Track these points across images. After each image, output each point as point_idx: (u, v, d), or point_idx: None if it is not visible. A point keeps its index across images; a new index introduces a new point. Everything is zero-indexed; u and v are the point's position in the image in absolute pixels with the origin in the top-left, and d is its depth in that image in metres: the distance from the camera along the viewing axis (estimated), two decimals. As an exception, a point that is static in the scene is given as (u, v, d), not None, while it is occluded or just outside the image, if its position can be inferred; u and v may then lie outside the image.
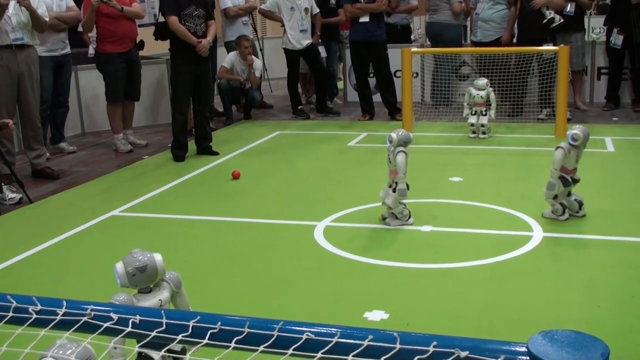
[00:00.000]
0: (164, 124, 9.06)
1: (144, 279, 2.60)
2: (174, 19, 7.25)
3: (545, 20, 8.61)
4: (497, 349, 1.01)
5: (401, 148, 4.86)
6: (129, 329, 1.20)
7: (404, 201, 5.02)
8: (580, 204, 5.07)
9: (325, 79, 10.02)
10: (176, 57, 7.49)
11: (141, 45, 8.33)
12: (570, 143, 4.90)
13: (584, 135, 4.91)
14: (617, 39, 9.10)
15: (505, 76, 8.83)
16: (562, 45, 8.15)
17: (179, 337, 1.16)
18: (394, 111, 9.37)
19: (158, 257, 2.61)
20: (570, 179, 5.00)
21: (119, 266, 2.61)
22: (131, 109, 8.31)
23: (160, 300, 2.64)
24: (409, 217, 5.03)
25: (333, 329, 1.10)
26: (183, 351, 2.55)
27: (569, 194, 5.05)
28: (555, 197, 4.98)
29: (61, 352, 1.99)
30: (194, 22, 7.32)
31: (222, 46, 10.33)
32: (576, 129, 4.93)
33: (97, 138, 8.89)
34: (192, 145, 7.73)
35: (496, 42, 9.18)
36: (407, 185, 4.90)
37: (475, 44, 9.44)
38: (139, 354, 2.56)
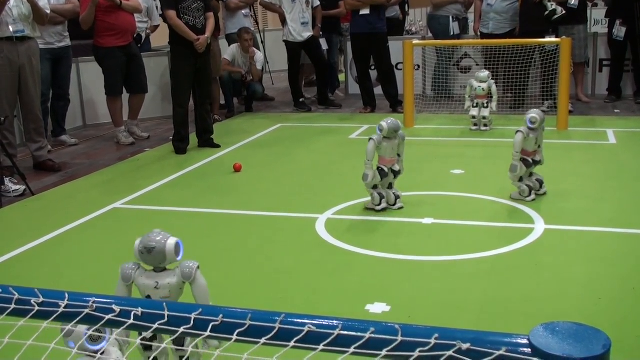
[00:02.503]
0: (165, 117, 9.06)
1: (150, 259, 2.64)
2: (172, 13, 7.22)
3: (547, 12, 8.58)
4: (498, 341, 1.01)
5: (372, 136, 5.04)
6: (131, 321, 1.20)
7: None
8: (541, 183, 5.39)
9: (326, 71, 10.00)
10: (176, 49, 7.47)
11: (139, 39, 8.30)
12: (528, 126, 5.19)
13: (541, 118, 5.19)
14: (620, 31, 9.08)
15: (507, 68, 8.82)
16: (564, 37, 8.13)
17: (181, 329, 1.16)
18: (395, 104, 9.37)
19: (172, 242, 2.64)
20: (531, 161, 5.28)
21: (136, 242, 2.66)
22: (139, 102, 8.31)
23: (157, 282, 2.65)
24: (380, 203, 5.15)
25: (335, 322, 1.10)
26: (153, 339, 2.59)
27: (531, 175, 5.36)
28: (521, 179, 5.29)
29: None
30: (193, 15, 7.30)
31: (223, 39, 10.31)
32: (533, 113, 5.22)
33: (99, 130, 8.89)
34: (193, 137, 7.73)
35: (509, 34, 9.15)
36: (385, 171, 5.10)
37: (486, 35, 9.38)
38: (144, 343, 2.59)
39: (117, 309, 1.22)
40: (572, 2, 8.76)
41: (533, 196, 5.30)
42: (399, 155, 5.19)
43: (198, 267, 2.69)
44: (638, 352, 3.16)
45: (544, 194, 5.40)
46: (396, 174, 5.18)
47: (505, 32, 9.21)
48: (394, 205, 5.21)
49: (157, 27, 9.56)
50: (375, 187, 5.17)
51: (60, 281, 4.18)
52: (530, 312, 3.55)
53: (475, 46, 9.83)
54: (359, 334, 1.08)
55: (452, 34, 9.65)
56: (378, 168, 5.13)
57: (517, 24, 9.19)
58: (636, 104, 9.20)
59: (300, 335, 1.10)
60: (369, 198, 5.30)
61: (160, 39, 9.43)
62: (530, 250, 4.38)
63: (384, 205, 5.17)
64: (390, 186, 5.22)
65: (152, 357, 2.66)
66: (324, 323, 1.11)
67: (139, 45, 8.73)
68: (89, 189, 6.24)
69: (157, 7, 9.35)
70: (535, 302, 3.66)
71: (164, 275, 2.68)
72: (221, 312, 1.16)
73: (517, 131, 5.20)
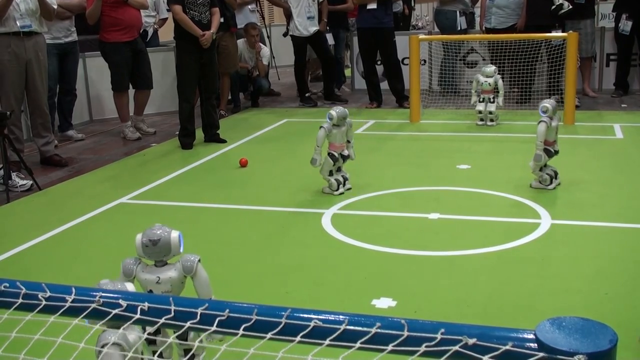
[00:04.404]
0: (171, 112, 9.06)
1: (155, 252, 2.68)
2: (177, 8, 7.23)
3: (553, 7, 8.56)
4: (504, 336, 1.01)
5: (323, 124, 5.38)
6: (138, 316, 1.20)
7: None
8: (556, 173, 5.49)
9: (332, 66, 9.99)
10: (181, 45, 7.48)
11: (145, 35, 8.30)
12: (541, 116, 5.29)
13: (552, 106, 5.30)
14: (626, 25, 9.04)
15: (513, 63, 8.79)
16: (571, 31, 8.11)
17: (187, 324, 1.17)
18: (401, 99, 9.35)
19: (175, 234, 2.70)
20: (553, 151, 5.39)
21: (137, 237, 2.71)
22: (144, 98, 8.32)
23: (158, 277, 2.69)
24: (337, 189, 5.50)
25: (341, 316, 1.11)
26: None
27: (545, 165, 5.46)
28: (541, 168, 5.39)
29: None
30: (199, 10, 7.29)
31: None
32: (544, 102, 5.35)
33: (105, 125, 8.90)
34: (199, 132, 7.74)
35: (511, 29, 9.13)
36: (335, 156, 5.44)
37: (489, 30, 9.36)
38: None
39: (123, 303, 1.22)
40: None
41: (554, 184, 5.42)
42: (348, 142, 5.54)
43: (199, 261, 2.71)
44: (645, 348, 3.15)
45: (559, 184, 5.48)
46: (345, 158, 5.54)
47: (507, 27, 9.18)
48: (343, 185, 5.58)
49: (164, 20, 9.56)
50: (331, 173, 5.52)
51: (67, 276, 4.19)
52: (536, 307, 3.54)
53: (482, 41, 9.81)
54: (365, 329, 1.08)
55: (459, 28, 9.62)
56: (329, 154, 5.48)
57: (519, 18, 9.15)
58: (643, 99, 9.17)
59: (307, 330, 1.10)
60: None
61: (168, 33, 9.43)
62: (536, 245, 4.38)
63: (341, 190, 5.53)
64: (339, 169, 5.59)
65: (158, 352, 2.68)
66: (330, 318, 1.11)
67: (145, 41, 8.74)
68: (96, 184, 6.25)
69: (163, 1, 9.36)
70: (542, 297, 3.66)
71: (165, 270, 2.71)
72: (227, 306, 1.16)
73: (540, 121, 5.27)
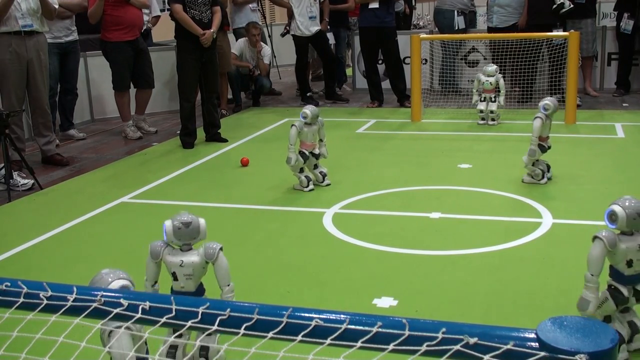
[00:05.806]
0: (173, 111, 9.06)
1: (185, 234, 2.88)
2: (178, 7, 7.22)
3: (554, 6, 8.55)
4: (506, 335, 1.01)
5: (294, 123, 5.48)
6: (139, 315, 1.20)
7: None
8: (548, 167, 5.60)
9: (334, 65, 9.98)
10: (182, 44, 7.47)
11: (146, 33, 8.30)
12: (543, 112, 5.35)
13: (554, 105, 5.37)
14: (628, 24, 9.04)
15: (514, 62, 8.78)
16: (572, 31, 8.10)
17: (189, 323, 1.17)
18: (402, 98, 9.35)
19: (202, 220, 2.93)
20: (546, 146, 5.48)
21: (167, 223, 2.89)
22: (146, 97, 8.32)
23: (182, 260, 2.88)
24: (307, 185, 5.62)
25: (342, 316, 1.11)
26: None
27: (537, 160, 5.54)
28: (534, 163, 5.47)
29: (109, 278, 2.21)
30: (199, 9, 7.29)
31: (231, 33, 10.31)
32: (547, 100, 5.41)
33: (107, 125, 8.90)
34: (201, 132, 7.74)
35: (513, 28, 9.12)
36: (306, 154, 5.55)
37: (491, 29, 9.35)
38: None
39: (125, 302, 1.22)
40: None
41: (546, 179, 5.50)
42: (321, 140, 5.65)
43: (221, 249, 2.89)
44: (646, 347, 3.15)
45: (550, 178, 5.55)
46: (317, 156, 5.65)
47: (509, 26, 9.17)
48: (322, 182, 5.72)
49: (157, 18, 9.48)
50: (301, 170, 5.61)
51: (69, 275, 4.19)
52: (538, 306, 3.54)
53: (483, 40, 9.81)
54: (366, 328, 1.08)
55: (456, 28, 9.61)
56: (300, 152, 5.55)
57: (520, 16, 9.14)
58: (645, 98, 9.16)
59: (308, 330, 1.10)
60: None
61: (164, 32, 9.42)
62: (538, 244, 4.38)
63: (311, 186, 5.65)
64: (315, 167, 5.72)
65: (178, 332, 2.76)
66: (331, 317, 1.11)
67: (146, 40, 8.74)
68: (97, 183, 6.25)
69: None
70: (543, 297, 3.66)
71: (189, 255, 2.89)
72: (229, 306, 1.16)
73: (536, 117, 5.33)
